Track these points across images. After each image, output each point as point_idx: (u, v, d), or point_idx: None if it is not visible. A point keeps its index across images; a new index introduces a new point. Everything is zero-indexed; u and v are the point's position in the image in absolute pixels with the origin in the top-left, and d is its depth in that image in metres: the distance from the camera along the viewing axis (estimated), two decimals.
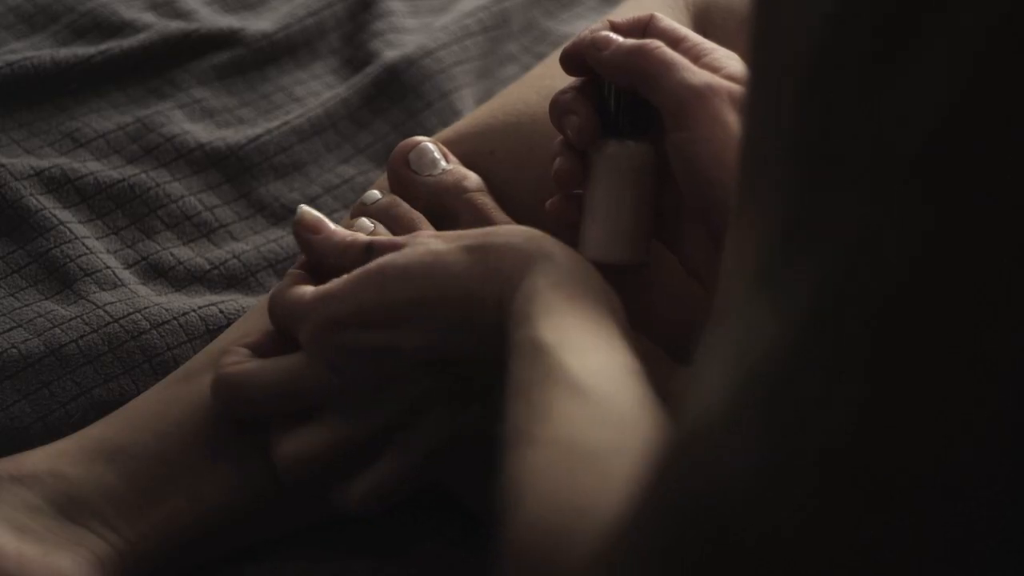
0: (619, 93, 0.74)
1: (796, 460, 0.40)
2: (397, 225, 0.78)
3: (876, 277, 0.39)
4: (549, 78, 0.82)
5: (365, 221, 0.78)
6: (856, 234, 0.39)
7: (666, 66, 0.71)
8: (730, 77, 0.71)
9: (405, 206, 0.78)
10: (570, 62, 0.75)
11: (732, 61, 0.73)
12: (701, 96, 0.70)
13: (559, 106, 0.75)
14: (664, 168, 0.73)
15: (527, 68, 1.05)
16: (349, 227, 0.78)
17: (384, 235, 0.77)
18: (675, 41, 0.74)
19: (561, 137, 0.75)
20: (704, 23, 0.85)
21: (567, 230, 0.75)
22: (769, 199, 0.43)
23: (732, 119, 0.70)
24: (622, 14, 0.81)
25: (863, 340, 0.39)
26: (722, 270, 0.49)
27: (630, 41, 0.73)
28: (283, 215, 0.95)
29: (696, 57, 0.73)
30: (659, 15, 0.76)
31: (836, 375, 0.39)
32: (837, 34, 0.41)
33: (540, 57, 1.08)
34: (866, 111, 0.40)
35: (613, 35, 0.74)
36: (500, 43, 1.09)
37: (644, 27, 0.75)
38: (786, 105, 0.42)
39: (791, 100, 0.42)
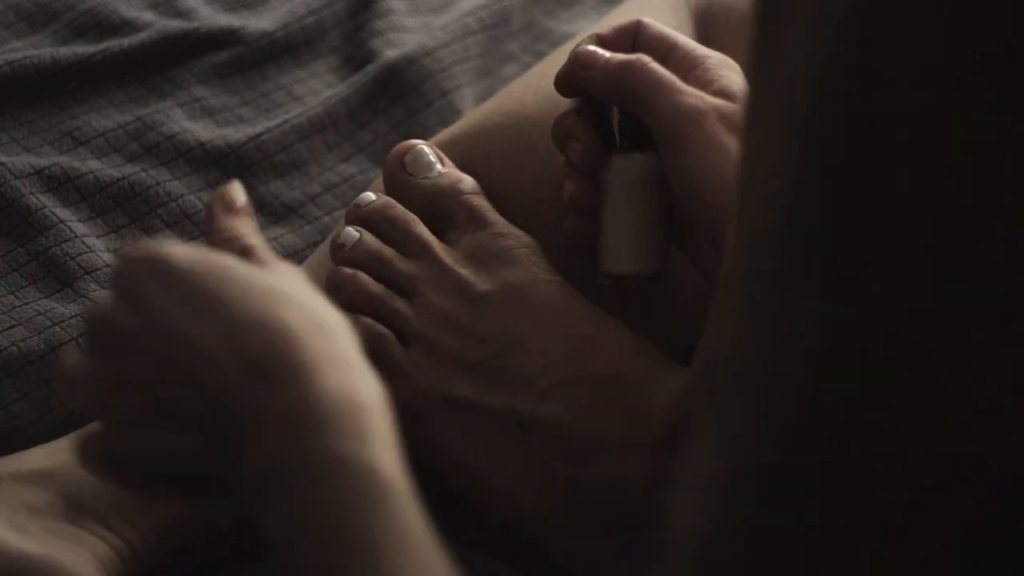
0: (618, 107, 0.73)
1: None
2: (392, 227, 0.77)
3: None
4: (546, 78, 0.82)
5: (351, 230, 0.78)
6: None
7: (656, 87, 0.71)
8: (721, 91, 0.71)
9: (400, 207, 0.78)
10: (566, 84, 0.75)
11: (724, 71, 0.72)
12: (693, 122, 0.69)
13: (561, 131, 0.74)
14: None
15: (527, 67, 1.05)
16: (338, 234, 0.78)
17: (371, 242, 0.77)
18: (666, 50, 0.73)
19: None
20: (706, 20, 0.84)
21: (582, 249, 0.75)
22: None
23: (726, 139, 0.69)
24: (625, 14, 0.81)
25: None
26: None
27: (618, 57, 0.72)
28: (283, 213, 0.95)
29: (687, 69, 0.72)
30: (648, 21, 0.74)
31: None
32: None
33: (540, 56, 1.08)
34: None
35: (599, 51, 0.73)
36: (500, 42, 1.09)
37: (633, 35, 0.74)
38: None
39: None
